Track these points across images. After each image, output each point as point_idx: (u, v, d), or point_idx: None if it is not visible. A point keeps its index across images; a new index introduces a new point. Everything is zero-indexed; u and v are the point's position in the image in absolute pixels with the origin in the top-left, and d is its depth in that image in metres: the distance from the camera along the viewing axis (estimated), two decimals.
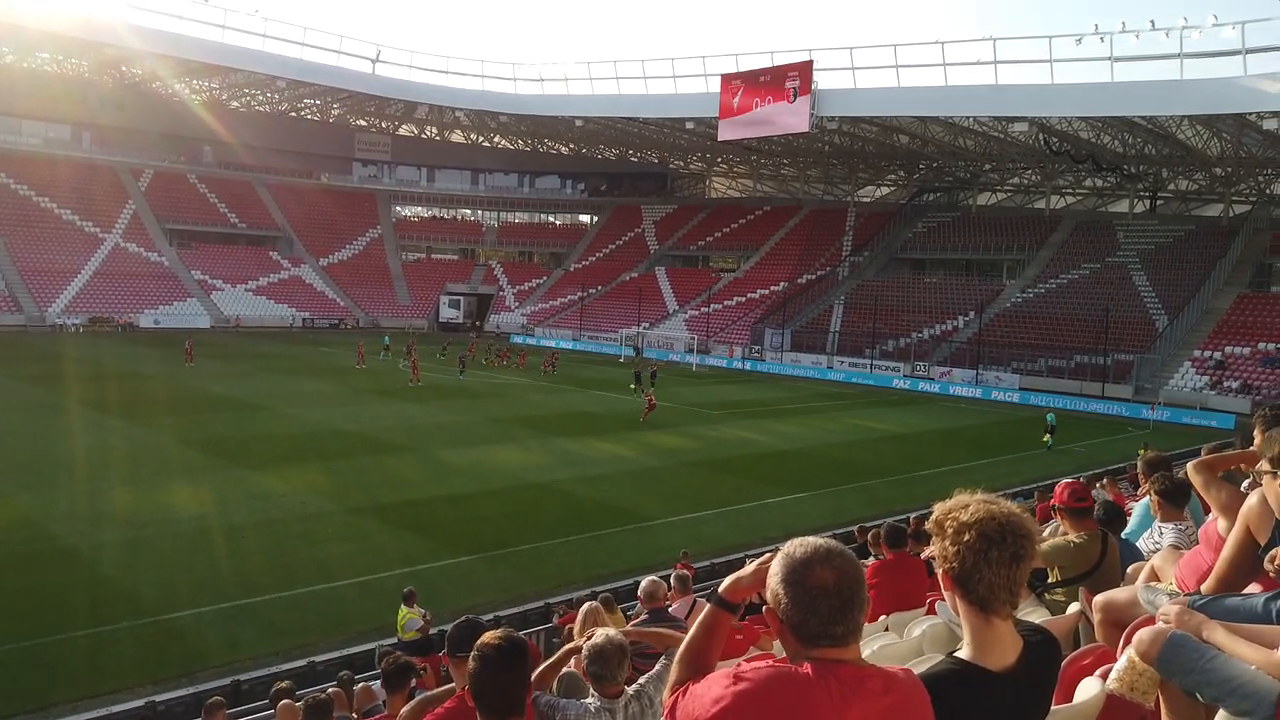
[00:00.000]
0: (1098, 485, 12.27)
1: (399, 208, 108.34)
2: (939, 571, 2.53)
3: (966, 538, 2.40)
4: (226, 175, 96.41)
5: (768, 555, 2.58)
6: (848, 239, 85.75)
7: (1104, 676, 2.96)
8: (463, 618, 3.91)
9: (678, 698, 2.25)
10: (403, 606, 13.51)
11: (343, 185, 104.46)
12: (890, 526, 7.52)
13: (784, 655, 2.24)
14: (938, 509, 2.58)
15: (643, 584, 7.28)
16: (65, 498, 22.24)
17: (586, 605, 7.07)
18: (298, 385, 44.22)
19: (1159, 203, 77.25)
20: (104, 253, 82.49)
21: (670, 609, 7.62)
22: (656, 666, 4.20)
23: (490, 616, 15.36)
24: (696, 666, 2.41)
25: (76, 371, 46.83)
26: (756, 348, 71.68)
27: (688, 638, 2.51)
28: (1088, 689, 2.95)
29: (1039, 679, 2.52)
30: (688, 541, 21.04)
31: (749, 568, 2.56)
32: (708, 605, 2.55)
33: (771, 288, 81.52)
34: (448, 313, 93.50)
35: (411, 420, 35.59)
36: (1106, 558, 5.18)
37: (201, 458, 27.31)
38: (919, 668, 3.92)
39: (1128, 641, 3.04)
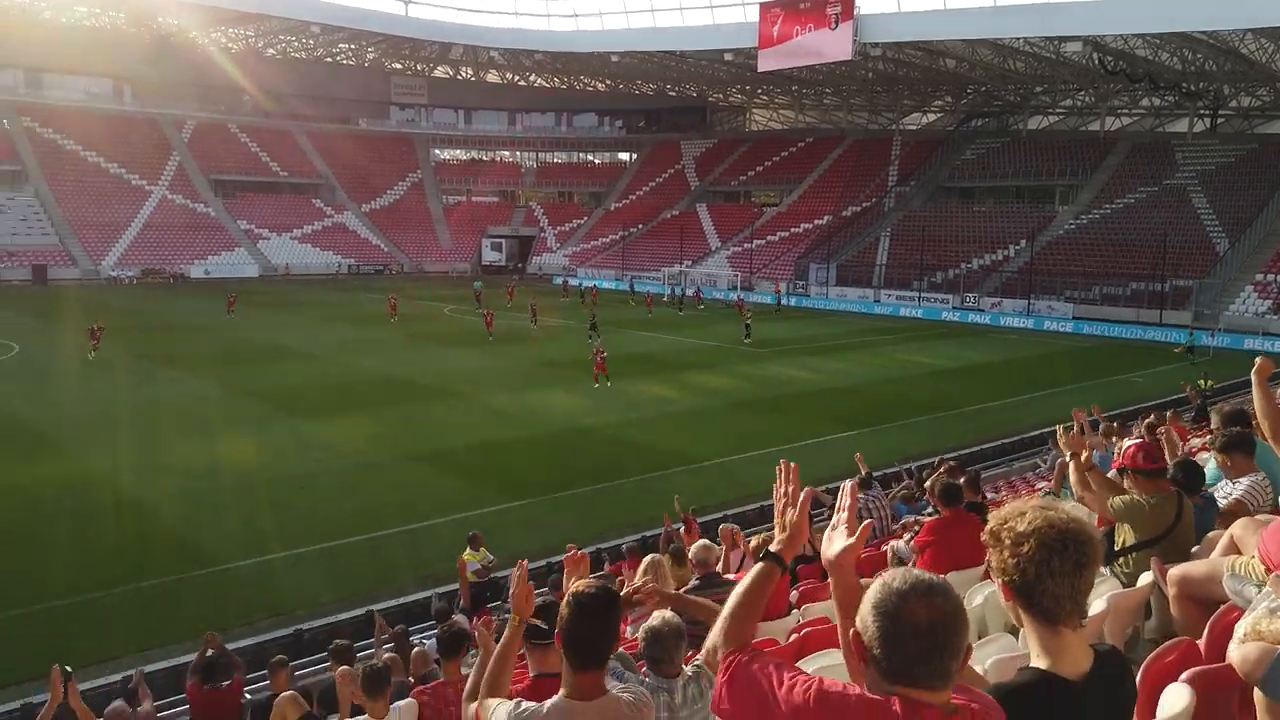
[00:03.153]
0: (1152, 426, 11.91)
1: (437, 151, 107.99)
2: (998, 583, 2.39)
3: (1026, 548, 2.27)
4: (266, 124, 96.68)
5: (805, 497, 2.59)
6: (893, 169, 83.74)
7: (1191, 682, 2.80)
8: (540, 601, 3.86)
9: (735, 669, 2.19)
10: (468, 549, 13.72)
11: (381, 130, 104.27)
12: (945, 484, 7.33)
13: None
14: (992, 519, 2.46)
15: (693, 548, 7.21)
16: (127, 451, 22.84)
17: (650, 557, 7.00)
18: (347, 333, 44.73)
19: (1219, 121, 74.03)
20: (151, 205, 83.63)
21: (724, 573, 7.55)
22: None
23: (543, 562, 15.59)
24: (744, 625, 2.36)
25: (132, 324, 47.80)
26: (801, 283, 70.83)
27: (736, 594, 2.43)
28: (1176, 700, 2.79)
29: (1116, 688, 2.40)
30: (734, 484, 21.07)
31: (795, 519, 2.55)
32: (757, 564, 2.48)
33: (815, 221, 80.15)
34: (490, 256, 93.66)
35: (460, 365, 35.88)
36: (1181, 521, 4.96)
37: (257, 408, 27.84)
38: (982, 650, 3.80)
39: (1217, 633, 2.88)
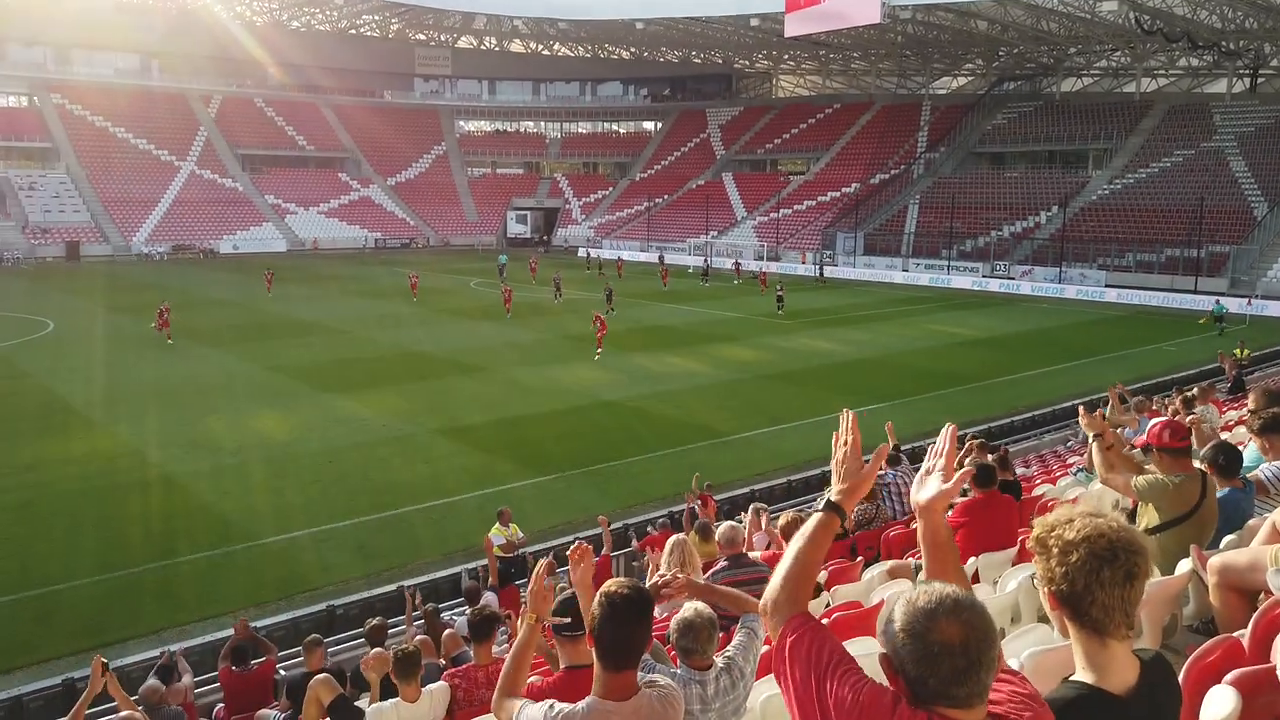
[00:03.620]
0: (1189, 401, 11.68)
1: (462, 123, 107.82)
2: (1043, 591, 2.33)
3: (1074, 557, 2.21)
4: (292, 98, 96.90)
5: (875, 456, 2.50)
6: (922, 135, 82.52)
7: (1236, 684, 2.73)
8: (568, 593, 3.85)
9: (796, 642, 2.11)
10: (496, 524, 13.82)
11: (405, 102, 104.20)
12: (978, 465, 7.24)
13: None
14: (1038, 525, 2.39)
15: (720, 529, 7.17)
16: (159, 427, 23.17)
17: (674, 538, 6.99)
18: (374, 307, 44.99)
19: (1259, 81, 72.14)
20: (180, 181, 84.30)
21: (752, 555, 7.52)
22: (739, 636, 4.10)
23: (572, 538, 15.66)
24: (803, 580, 2.29)
25: (161, 300, 48.32)
26: (828, 253, 70.21)
27: (795, 546, 2.35)
28: (1221, 703, 2.72)
29: (1163, 699, 2.33)
30: (765, 457, 21.04)
31: (854, 469, 2.47)
32: (816, 512, 2.41)
33: (843, 189, 79.30)
34: (515, 228, 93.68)
35: (485, 340, 35.99)
36: (1205, 499, 4.89)
37: (286, 383, 28.12)
38: (1018, 641, 3.74)
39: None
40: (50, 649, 12.59)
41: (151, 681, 8.50)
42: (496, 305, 44.75)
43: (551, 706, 2.92)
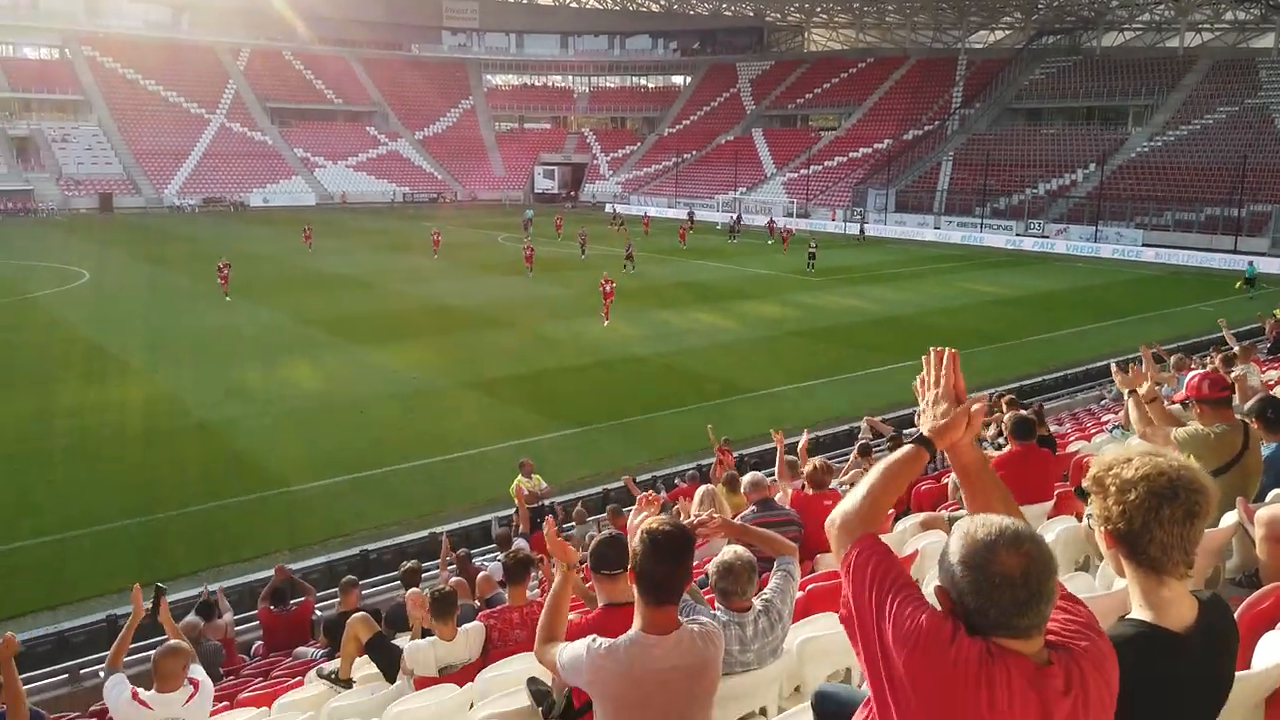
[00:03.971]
0: (1228, 359, 11.48)
1: (489, 77, 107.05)
2: (1100, 531, 2.29)
3: (1133, 495, 2.18)
4: (320, 51, 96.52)
5: (979, 401, 2.40)
6: (958, 90, 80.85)
7: None
8: (606, 535, 3.89)
9: (861, 560, 2.08)
10: (519, 476, 13.97)
11: (433, 55, 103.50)
12: (1017, 417, 7.17)
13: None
14: (1095, 465, 2.35)
15: (747, 477, 7.20)
16: (197, 375, 23.50)
17: (704, 488, 7.03)
18: (402, 261, 45.15)
19: None
20: (210, 133, 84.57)
21: (777, 498, 7.54)
22: (776, 579, 4.12)
23: (599, 489, 15.80)
24: (879, 506, 2.25)
25: (196, 252, 48.79)
26: (859, 210, 69.37)
27: (878, 471, 2.30)
28: (1274, 649, 2.69)
29: (1222, 638, 2.31)
30: (793, 413, 20.99)
31: (950, 407, 2.38)
32: (907, 445, 2.36)
33: (875, 146, 78.09)
34: (542, 183, 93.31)
35: (512, 294, 36.04)
36: (1249, 450, 4.82)
37: (319, 335, 28.37)
38: None
39: None
40: (92, 587, 12.93)
41: (191, 618, 8.72)
42: (523, 261, 44.75)
43: (594, 640, 2.96)
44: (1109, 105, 71.58)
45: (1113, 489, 2.22)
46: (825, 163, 78.91)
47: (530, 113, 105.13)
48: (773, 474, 10.80)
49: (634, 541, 3.03)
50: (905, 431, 11.36)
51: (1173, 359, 12.19)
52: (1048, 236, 57.58)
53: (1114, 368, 5.84)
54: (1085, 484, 2.36)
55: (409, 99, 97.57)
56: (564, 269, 43.01)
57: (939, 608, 1.98)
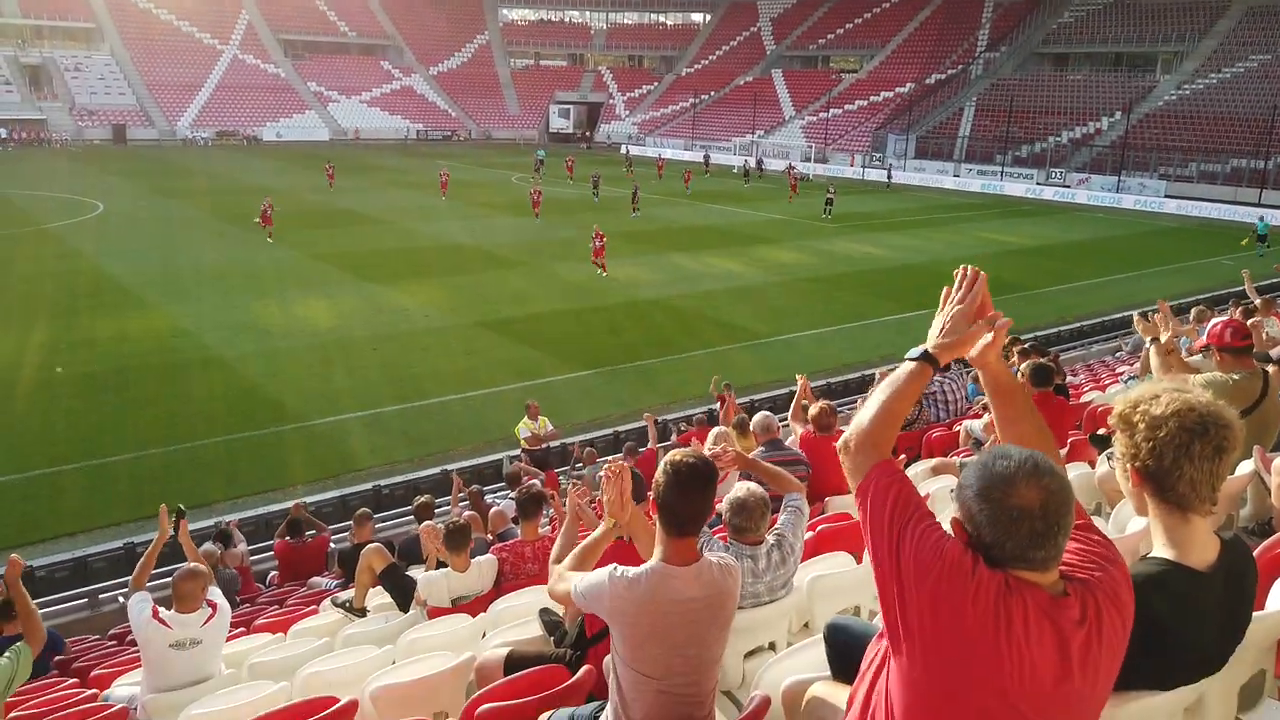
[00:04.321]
0: (1248, 312, 11.34)
1: (505, 11, 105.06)
2: (1125, 469, 2.27)
3: (1163, 431, 2.16)
4: None
5: (991, 323, 2.31)
6: (983, 33, 79.02)
7: None
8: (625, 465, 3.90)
9: (879, 485, 2.05)
10: (525, 418, 14.06)
11: None
12: (1035, 364, 7.14)
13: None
14: (1120, 402, 2.32)
15: (756, 418, 7.21)
16: (211, 309, 23.59)
17: (717, 429, 7.06)
18: (414, 199, 44.87)
19: None
20: (223, 65, 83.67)
21: (788, 442, 7.57)
22: (786, 515, 4.15)
23: (610, 431, 15.88)
24: (887, 424, 2.19)
25: (211, 187, 48.66)
26: (878, 155, 68.39)
27: (879, 396, 2.25)
28: None
29: (1241, 578, 2.31)
30: (802, 360, 20.94)
31: (961, 326, 2.32)
32: (909, 363, 2.29)
33: (897, 89, 76.65)
34: (557, 123, 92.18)
35: (524, 235, 35.86)
36: (1267, 396, 4.80)
37: (331, 272, 28.37)
38: None
39: None
40: (110, 516, 13.16)
41: (208, 545, 8.86)
42: (546, 199, 44.40)
43: (615, 569, 2.97)
44: (1138, 51, 69.89)
45: (1141, 425, 2.20)
46: (845, 106, 77.60)
47: (546, 49, 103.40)
48: (785, 418, 10.85)
49: (657, 473, 3.02)
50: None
51: (1193, 311, 12.06)
52: (1069, 186, 56.73)
53: (1136, 316, 5.79)
54: (1111, 421, 2.33)
55: (423, 33, 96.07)
56: (577, 211, 42.70)
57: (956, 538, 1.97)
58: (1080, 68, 72.76)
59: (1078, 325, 23.58)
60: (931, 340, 2.32)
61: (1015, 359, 10.94)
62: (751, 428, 7.71)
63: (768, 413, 7.86)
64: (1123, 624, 1.97)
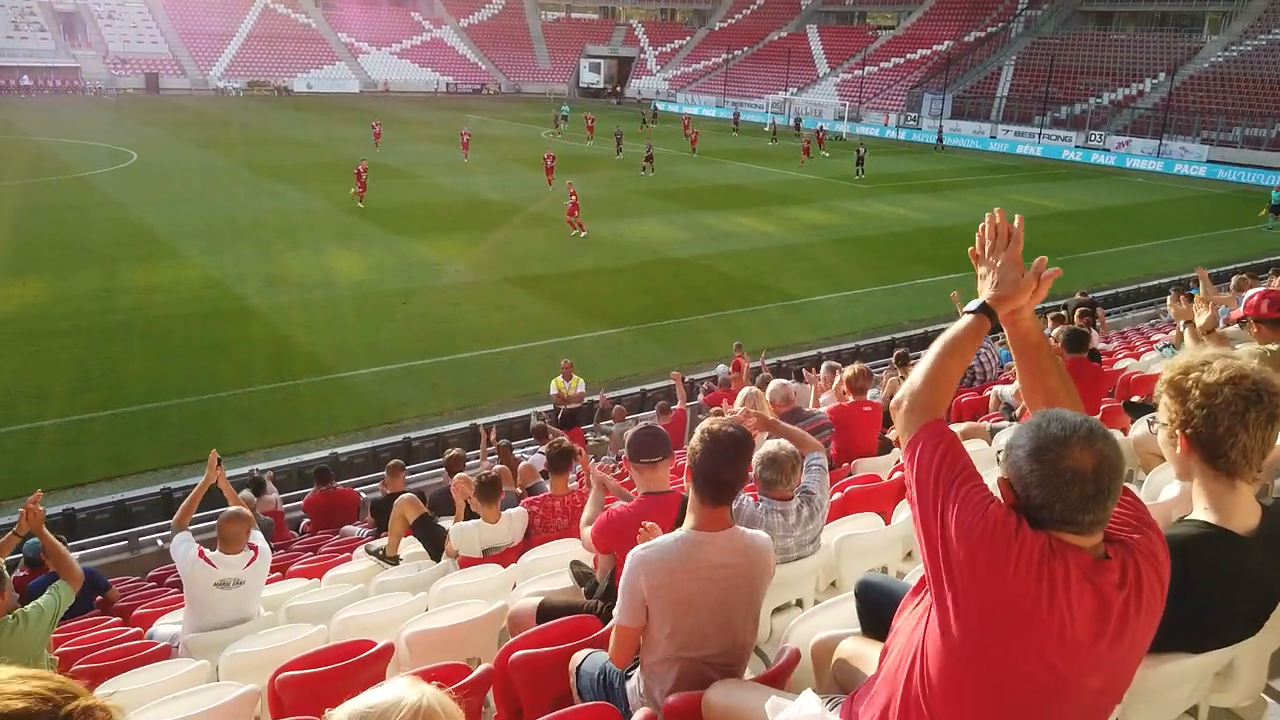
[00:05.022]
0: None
1: None
2: (1175, 435, 2.28)
3: (1220, 399, 2.16)
4: None
5: (1042, 275, 2.28)
6: None
7: None
8: (644, 427, 3.96)
9: (927, 445, 2.05)
10: (559, 376, 14.16)
11: None
12: (1070, 330, 7.08)
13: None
14: (1168, 369, 2.32)
15: (770, 388, 7.22)
16: (242, 260, 23.81)
17: (746, 390, 7.09)
18: (444, 153, 44.75)
19: None
20: (255, 14, 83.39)
21: (822, 399, 7.57)
22: (811, 473, 4.18)
23: (637, 390, 15.96)
24: (942, 382, 2.19)
25: (246, 137, 48.79)
26: (913, 115, 67.20)
27: (936, 351, 2.23)
28: None
29: None
30: (834, 321, 20.92)
31: (1012, 275, 2.28)
32: (967, 315, 2.27)
33: (934, 47, 75.05)
34: (588, 77, 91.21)
35: (553, 192, 35.72)
36: None
37: (361, 225, 28.48)
38: None
39: None
40: (147, 461, 13.45)
41: (243, 493, 9.05)
42: (564, 156, 44.17)
43: (639, 550, 3.00)
44: (1185, 11, 67.81)
45: (1195, 392, 2.20)
46: (881, 64, 76.14)
47: (578, 1, 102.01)
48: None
49: (693, 440, 3.04)
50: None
51: (1234, 280, 11.85)
52: (1109, 149, 55.54)
53: (1170, 297, 5.69)
54: (1159, 387, 2.33)
55: None
56: (601, 168, 42.45)
57: (1001, 499, 1.99)
58: (1124, 27, 70.78)
59: (1113, 291, 23.26)
60: (986, 292, 2.29)
61: (1049, 324, 10.86)
62: (769, 398, 7.71)
63: (784, 381, 7.84)
64: (1160, 587, 1.98)
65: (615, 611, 3.08)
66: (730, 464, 2.96)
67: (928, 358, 2.23)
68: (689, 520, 3.04)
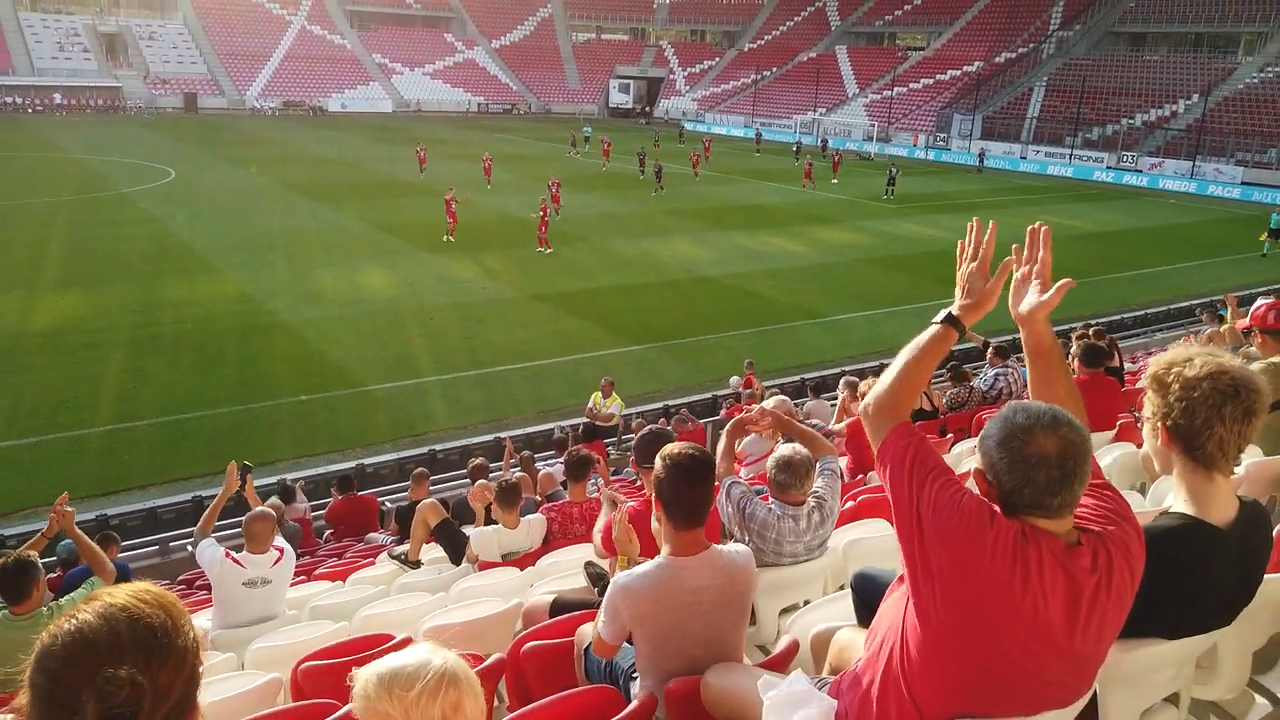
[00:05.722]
0: None
1: None
2: (1157, 427, 2.36)
3: (1197, 392, 2.25)
4: None
5: (1001, 269, 2.38)
6: (1057, 10, 76.70)
7: None
8: (648, 429, 4.08)
9: (896, 449, 2.14)
10: (597, 393, 14.25)
11: None
12: (1088, 345, 7.12)
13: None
14: (1154, 364, 2.41)
15: (770, 401, 7.30)
16: (276, 276, 24.25)
17: (777, 397, 7.18)
18: (474, 171, 45.21)
19: None
20: (291, 36, 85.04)
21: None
22: (822, 479, 4.25)
23: (659, 405, 16.05)
24: (907, 389, 2.27)
25: (281, 155, 49.68)
26: (942, 135, 67.07)
27: (902, 359, 2.32)
28: None
29: (1258, 536, 2.40)
30: (861, 340, 20.91)
31: (979, 285, 2.40)
32: (934, 324, 2.35)
33: (964, 68, 74.95)
34: (617, 98, 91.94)
35: (585, 210, 36.04)
36: None
37: (391, 241, 28.90)
38: None
39: None
40: (178, 470, 13.73)
41: (274, 500, 9.25)
42: (592, 175, 44.59)
43: (616, 579, 3.07)
44: (1219, 32, 67.24)
45: (1175, 386, 2.29)
46: (910, 84, 76.13)
47: (608, 23, 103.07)
48: (832, 398, 10.89)
49: (656, 469, 3.06)
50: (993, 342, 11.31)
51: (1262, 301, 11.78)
52: (1140, 170, 55.09)
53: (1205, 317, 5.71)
54: (1144, 381, 2.42)
55: (487, 5, 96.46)
56: (626, 186, 42.78)
57: (976, 489, 2.08)
58: (1157, 48, 70.33)
59: (1143, 312, 23.08)
60: (955, 303, 2.41)
61: (1074, 345, 10.81)
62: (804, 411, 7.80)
63: (783, 397, 7.92)
64: (1131, 576, 2.07)
65: (599, 620, 3.12)
66: (696, 486, 3.00)
67: (894, 364, 2.33)
68: (665, 549, 3.07)
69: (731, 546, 3.20)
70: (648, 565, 3.06)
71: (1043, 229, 2.45)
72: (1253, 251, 32.85)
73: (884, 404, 2.26)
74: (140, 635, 1.33)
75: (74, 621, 1.35)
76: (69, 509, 5.12)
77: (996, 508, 2.02)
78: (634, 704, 2.84)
